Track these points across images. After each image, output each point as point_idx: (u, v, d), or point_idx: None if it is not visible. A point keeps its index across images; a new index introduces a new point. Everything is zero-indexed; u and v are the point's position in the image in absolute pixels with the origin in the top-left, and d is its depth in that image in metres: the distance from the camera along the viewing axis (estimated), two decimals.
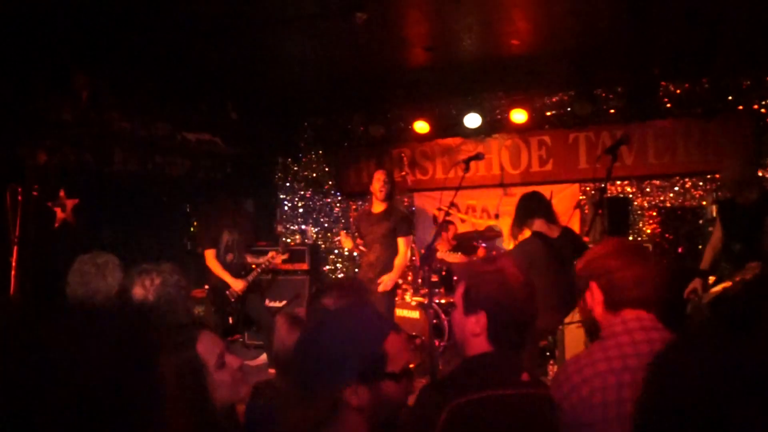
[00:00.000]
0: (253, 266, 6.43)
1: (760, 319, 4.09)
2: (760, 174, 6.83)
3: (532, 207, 4.53)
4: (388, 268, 5.64)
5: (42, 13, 4.96)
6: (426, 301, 6.13)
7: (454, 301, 1.98)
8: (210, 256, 6.21)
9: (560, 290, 4.23)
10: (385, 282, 5.54)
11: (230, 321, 6.19)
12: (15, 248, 4.62)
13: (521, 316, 1.86)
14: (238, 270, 6.30)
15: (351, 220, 9.04)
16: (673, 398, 0.86)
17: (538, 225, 4.43)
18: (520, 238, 4.55)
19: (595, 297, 1.92)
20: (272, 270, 7.20)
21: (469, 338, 1.88)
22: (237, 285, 6.14)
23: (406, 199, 8.74)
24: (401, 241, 5.67)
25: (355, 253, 6.14)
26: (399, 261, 5.67)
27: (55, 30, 5.29)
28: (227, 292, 6.16)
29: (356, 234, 6.10)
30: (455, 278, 6.77)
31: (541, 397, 1.79)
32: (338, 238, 6.01)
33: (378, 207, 5.78)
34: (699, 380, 0.85)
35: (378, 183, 5.70)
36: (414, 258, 7.32)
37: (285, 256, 6.72)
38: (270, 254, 6.52)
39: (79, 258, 2.64)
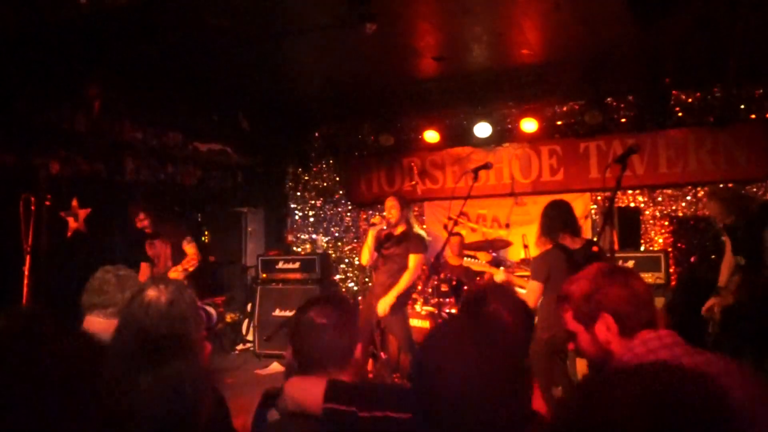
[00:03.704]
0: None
1: None
2: None
3: (562, 220, 4.50)
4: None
5: (55, 25, 5.01)
6: (436, 311, 6.12)
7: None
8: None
9: None
10: (382, 307, 5.33)
11: None
12: (28, 257, 4.65)
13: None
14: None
15: (361, 230, 9.06)
16: None
17: (563, 238, 4.44)
18: (542, 248, 4.53)
19: (610, 328, 1.82)
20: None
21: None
22: None
23: (416, 208, 8.75)
24: (412, 258, 5.52)
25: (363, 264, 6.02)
26: (404, 276, 5.47)
27: (68, 41, 5.35)
28: None
29: (375, 253, 5.95)
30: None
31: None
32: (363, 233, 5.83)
33: (397, 229, 5.67)
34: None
35: (386, 210, 5.64)
36: (424, 267, 7.30)
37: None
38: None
39: (102, 267, 2.66)
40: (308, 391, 1.83)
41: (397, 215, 5.59)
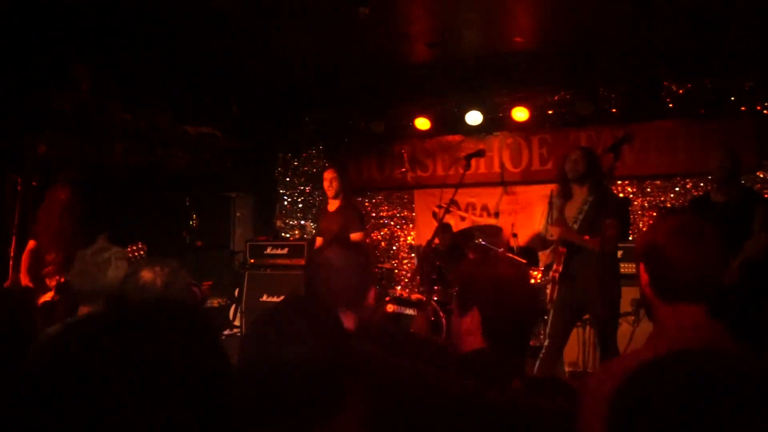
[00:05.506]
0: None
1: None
2: (761, 175, 6.84)
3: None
4: None
5: (44, 4, 4.94)
6: (424, 299, 6.12)
7: (453, 307, 1.94)
8: None
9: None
10: None
11: None
12: (13, 238, 4.61)
13: (516, 312, 1.82)
14: None
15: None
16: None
17: None
18: None
19: (642, 279, 1.65)
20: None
21: (464, 337, 1.84)
22: None
23: (406, 196, 8.73)
24: (354, 238, 5.45)
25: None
26: None
27: (57, 20, 5.28)
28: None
29: (318, 232, 5.89)
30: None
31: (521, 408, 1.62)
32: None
33: (332, 205, 5.66)
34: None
35: (325, 182, 5.57)
36: (413, 255, 7.30)
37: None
38: None
39: (79, 254, 2.56)
40: None
41: (337, 187, 5.52)
